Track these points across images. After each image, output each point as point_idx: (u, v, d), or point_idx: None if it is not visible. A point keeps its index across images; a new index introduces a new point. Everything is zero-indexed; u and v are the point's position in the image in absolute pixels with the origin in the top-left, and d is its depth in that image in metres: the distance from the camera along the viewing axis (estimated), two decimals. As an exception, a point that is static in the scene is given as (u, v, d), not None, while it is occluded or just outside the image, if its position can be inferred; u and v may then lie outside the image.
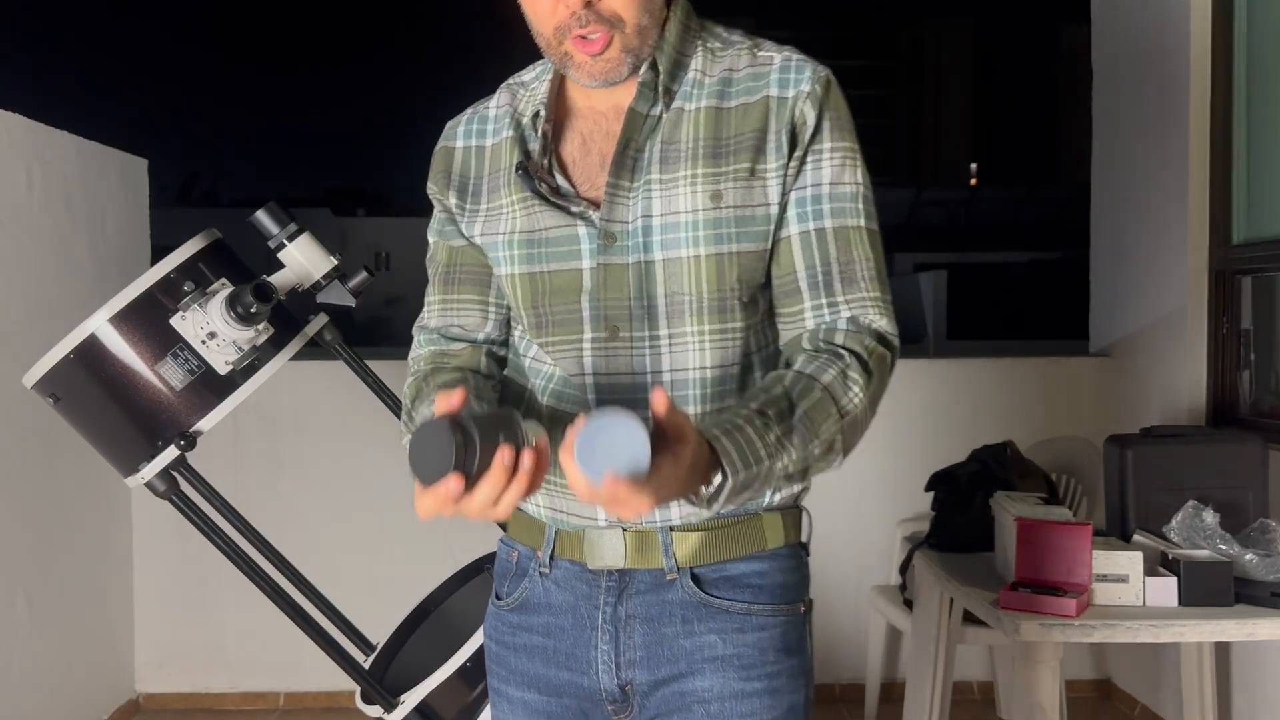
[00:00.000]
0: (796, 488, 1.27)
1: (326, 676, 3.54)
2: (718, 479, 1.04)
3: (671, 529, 1.22)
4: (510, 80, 1.33)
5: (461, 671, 2.13)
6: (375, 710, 2.19)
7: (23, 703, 3.17)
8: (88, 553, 3.57)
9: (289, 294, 2.18)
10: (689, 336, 1.20)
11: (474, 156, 1.30)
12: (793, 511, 1.27)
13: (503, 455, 0.99)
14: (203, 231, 2.11)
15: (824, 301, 1.20)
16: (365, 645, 2.48)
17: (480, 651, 2.13)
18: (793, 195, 1.20)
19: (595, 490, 0.94)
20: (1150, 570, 2.18)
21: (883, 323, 1.20)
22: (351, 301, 2.22)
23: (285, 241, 2.16)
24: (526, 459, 1.00)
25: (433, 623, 2.42)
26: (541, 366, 1.27)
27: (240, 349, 2.03)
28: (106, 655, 3.73)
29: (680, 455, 0.98)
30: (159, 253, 2.16)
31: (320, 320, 2.24)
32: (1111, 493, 2.52)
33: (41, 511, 3.28)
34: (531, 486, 1.02)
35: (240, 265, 2.16)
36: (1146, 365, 3.68)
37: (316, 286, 2.19)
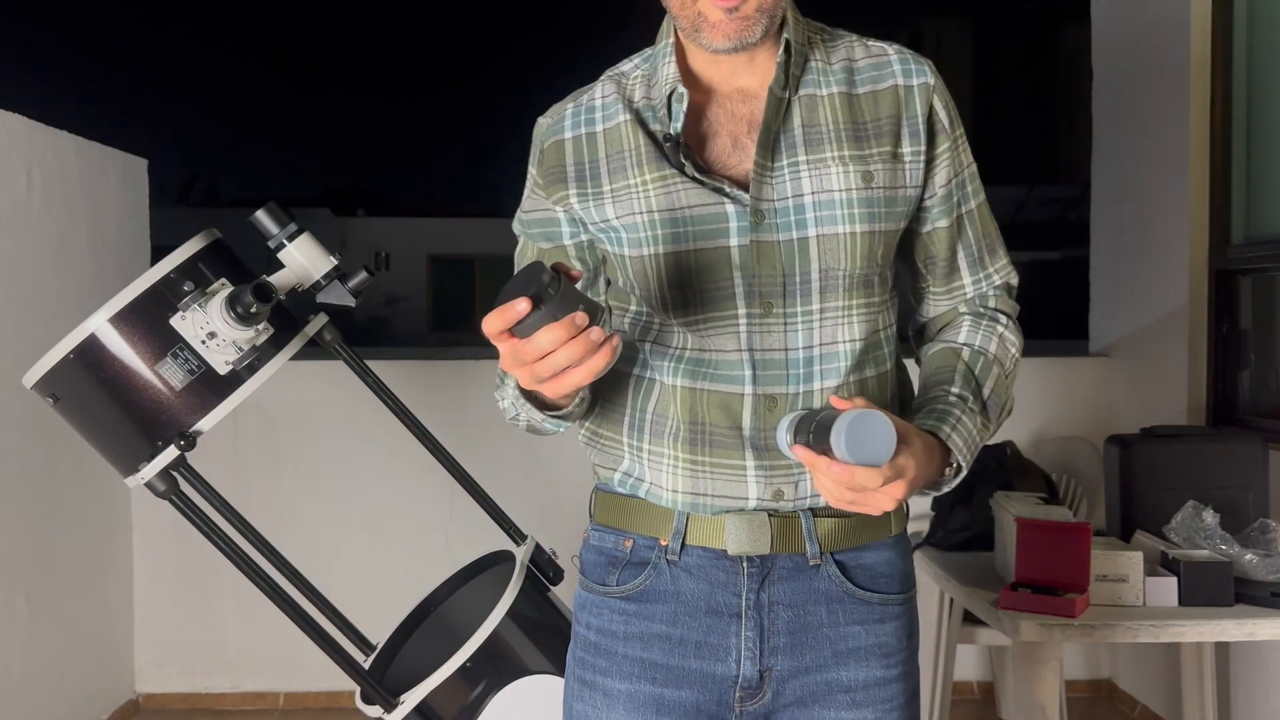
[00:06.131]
0: None
1: (326, 677, 3.55)
2: (950, 469, 1.18)
3: (814, 513, 1.26)
4: (610, 72, 1.36)
5: (462, 671, 2.13)
6: (375, 710, 2.19)
7: (23, 703, 3.17)
8: (88, 553, 3.57)
9: (289, 294, 2.18)
10: (840, 311, 1.25)
11: (585, 143, 1.31)
12: None
13: (576, 316, 1.03)
14: (203, 231, 2.11)
15: (981, 275, 1.36)
16: (365, 645, 2.48)
17: (480, 652, 2.13)
18: (949, 181, 1.30)
19: (852, 479, 1.04)
20: (1150, 570, 2.18)
21: (1015, 279, 1.39)
22: (351, 301, 2.22)
23: (285, 241, 2.16)
24: (594, 331, 1.04)
25: (433, 623, 2.42)
26: (668, 349, 1.29)
27: (240, 349, 2.03)
28: (106, 655, 3.73)
29: (912, 444, 1.10)
30: (159, 253, 2.16)
31: (320, 320, 2.24)
32: (1111, 493, 2.52)
33: (41, 511, 3.28)
34: (587, 364, 1.05)
35: (240, 265, 2.16)
36: (1146, 365, 3.68)
37: (316, 286, 2.19)
